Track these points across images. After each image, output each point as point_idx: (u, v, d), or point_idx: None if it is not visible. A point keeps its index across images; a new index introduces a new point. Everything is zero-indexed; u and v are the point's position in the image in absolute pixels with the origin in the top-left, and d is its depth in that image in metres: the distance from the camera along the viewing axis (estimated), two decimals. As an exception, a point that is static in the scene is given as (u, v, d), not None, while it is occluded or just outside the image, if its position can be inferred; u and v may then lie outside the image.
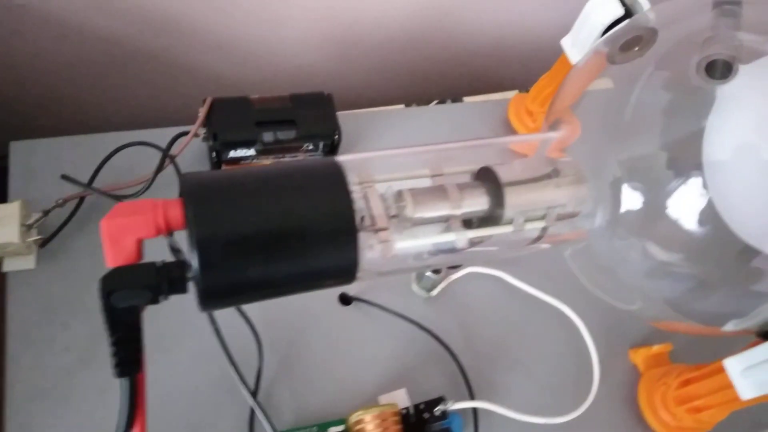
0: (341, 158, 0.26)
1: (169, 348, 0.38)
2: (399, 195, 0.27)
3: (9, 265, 0.38)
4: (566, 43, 0.43)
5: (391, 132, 0.50)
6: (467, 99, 0.56)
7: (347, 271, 0.25)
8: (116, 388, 0.22)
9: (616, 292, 0.35)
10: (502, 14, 0.57)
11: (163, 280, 0.22)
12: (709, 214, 0.28)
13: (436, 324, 0.41)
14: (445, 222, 0.28)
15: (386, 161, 0.31)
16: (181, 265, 0.23)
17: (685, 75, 0.30)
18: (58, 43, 0.46)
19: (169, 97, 0.51)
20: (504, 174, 0.28)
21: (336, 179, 0.24)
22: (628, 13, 0.38)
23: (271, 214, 0.23)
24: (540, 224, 0.29)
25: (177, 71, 0.50)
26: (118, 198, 0.38)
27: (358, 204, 0.26)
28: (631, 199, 0.30)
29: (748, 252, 0.29)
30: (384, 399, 0.38)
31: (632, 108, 0.32)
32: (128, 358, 0.23)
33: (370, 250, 0.26)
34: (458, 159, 0.31)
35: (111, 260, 0.23)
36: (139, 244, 0.23)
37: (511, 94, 0.53)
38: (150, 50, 0.48)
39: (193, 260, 0.21)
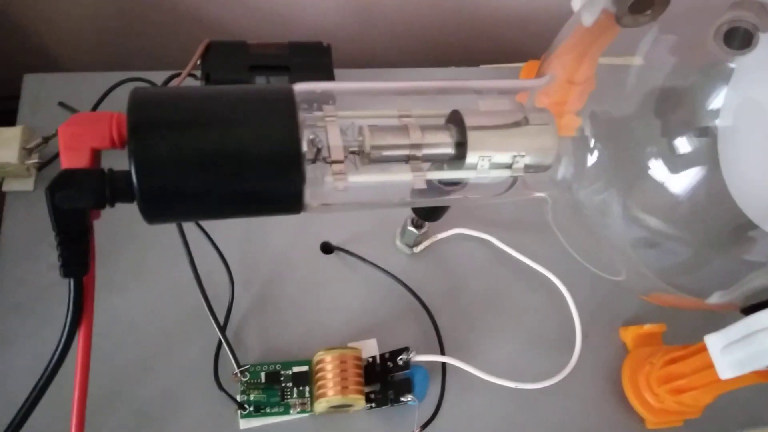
0: (301, 86, 0.26)
1: (144, 277, 0.39)
2: (359, 130, 0.27)
3: (8, 186, 0.40)
4: (575, 3, 0.41)
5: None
6: (483, 67, 0.54)
7: (292, 198, 0.25)
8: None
9: (601, 260, 0.34)
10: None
11: (107, 186, 0.23)
12: (704, 187, 0.27)
13: (417, 281, 0.41)
14: (407, 162, 0.28)
15: (362, 98, 0.30)
16: (127, 175, 0.23)
17: (700, 42, 0.28)
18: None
19: (176, 45, 0.52)
20: (471, 118, 0.28)
21: (284, 103, 0.24)
22: (639, -28, 0.36)
23: (211, 131, 0.23)
24: (506, 172, 0.29)
25: (186, 20, 0.51)
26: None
27: (318, 136, 0.26)
28: (614, 160, 0.29)
29: (745, 225, 0.27)
30: (353, 346, 0.38)
31: (635, 69, 0.31)
32: (73, 259, 0.23)
33: (323, 182, 0.26)
34: (436, 101, 0.31)
35: (65, 166, 0.24)
36: (94, 153, 0.24)
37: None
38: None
39: (132, 170, 0.22)
